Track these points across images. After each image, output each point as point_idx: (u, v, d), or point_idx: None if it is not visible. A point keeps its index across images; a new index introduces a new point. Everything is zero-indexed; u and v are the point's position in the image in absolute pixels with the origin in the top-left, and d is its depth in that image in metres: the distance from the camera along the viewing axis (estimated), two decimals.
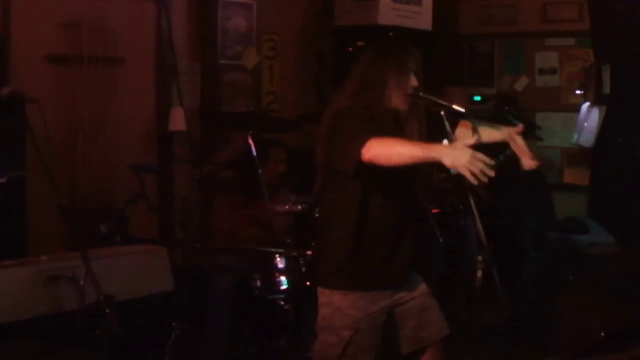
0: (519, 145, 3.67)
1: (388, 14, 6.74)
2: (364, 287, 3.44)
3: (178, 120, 5.94)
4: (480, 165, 2.99)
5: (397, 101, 3.43)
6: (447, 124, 3.52)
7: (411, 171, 3.46)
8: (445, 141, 3.75)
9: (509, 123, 7.12)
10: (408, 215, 3.54)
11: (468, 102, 6.46)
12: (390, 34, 6.75)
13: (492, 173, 3.00)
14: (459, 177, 3.49)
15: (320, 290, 3.53)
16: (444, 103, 3.53)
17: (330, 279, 3.48)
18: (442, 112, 3.52)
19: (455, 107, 3.51)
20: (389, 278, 3.48)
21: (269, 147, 5.34)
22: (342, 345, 3.41)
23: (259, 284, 4.97)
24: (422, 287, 3.60)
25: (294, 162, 5.52)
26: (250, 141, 5.26)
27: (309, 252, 4.70)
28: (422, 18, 7.03)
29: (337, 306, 3.43)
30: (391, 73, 3.42)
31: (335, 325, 3.43)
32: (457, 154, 3.03)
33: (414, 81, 3.46)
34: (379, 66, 3.45)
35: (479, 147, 4.90)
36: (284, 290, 4.92)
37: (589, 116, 6.92)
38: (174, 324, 4.50)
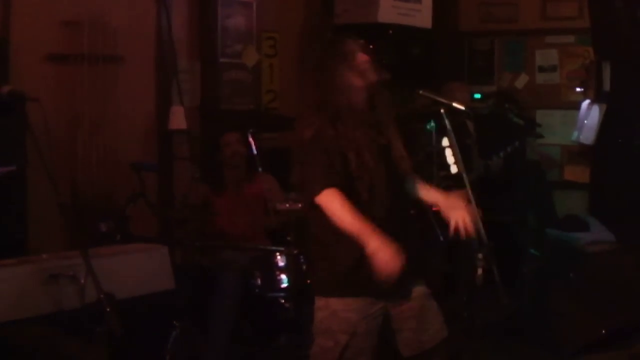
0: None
1: (388, 12, 6.73)
2: (361, 294, 3.41)
3: (178, 119, 5.94)
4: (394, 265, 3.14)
5: (354, 97, 3.38)
6: (447, 122, 3.52)
7: (396, 178, 3.46)
8: (445, 139, 3.75)
9: (509, 121, 7.18)
10: (403, 223, 3.50)
11: (470, 98, 6.45)
12: (390, 32, 6.75)
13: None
14: (459, 175, 3.50)
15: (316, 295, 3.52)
16: (444, 101, 3.53)
17: (325, 288, 3.45)
18: (442, 110, 3.51)
19: (455, 104, 3.51)
20: (386, 287, 3.44)
21: (220, 135, 5.39)
22: (339, 350, 3.36)
23: (259, 282, 4.97)
24: (421, 289, 3.55)
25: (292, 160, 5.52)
26: (251, 139, 5.29)
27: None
28: (422, 16, 7.03)
29: (333, 309, 3.39)
30: (339, 69, 3.39)
31: (332, 329, 3.39)
32: (385, 255, 3.13)
33: (371, 76, 3.42)
34: (329, 66, 3.42)
35: (487, 138, 4.89)
36: (285, 289, 4.92)
37: (589, 114, 6.91)
38: (174, 322, 4.50)
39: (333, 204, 3.26)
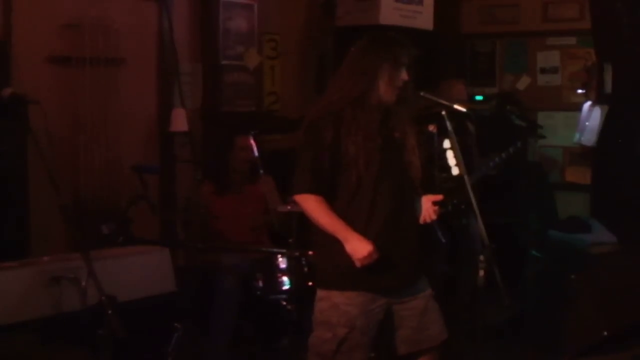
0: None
1: (389, 14, 6.74)
2: (363, 289, 3.42)
3: (180, 121, 5.94)
4: (370, 261, 3.32)
5: (386, 93, 3.42)
6: (448, 123, 3.52)
7: (405, 178, 3.47)
8: (446, 141, 3.75)
9: (511, 122, 7.17)
10: (408, 218, 3.51)
11: (466, 94, 6.44)
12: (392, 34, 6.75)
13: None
14: (461, 177, 3.50)
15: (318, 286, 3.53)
16: (445, 103, 3.54)
17: (328, 280, 3.47)
18: (443, 112, 3.52)
19: (456, 106, 3.51)
20: (391, 282, 3.45)
21: (233, 135, 5.37)
22: (336, 342, 3.39)
23: (261, 284, 4.97)
24: (426, 289, 3.58)
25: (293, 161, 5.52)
26: (252, 142, 5.28)
27: (310, 253, 4.70)
28: (423, 18, 7.03)
29: (334, 302, 3.41)
30: (384, 65, 3.42)
31: (331, 321, 3.41)
32: (359, 246, 3.31)
33: (404, 75, 3.46)
34: (372, 57, 3.46)
35: (489, 140, 4.83)
36: (286, 291, 4.92)
37: (591, 115, 6.91)
38: (176, 324, 4.50)
39: (308, 203, 3.40)
